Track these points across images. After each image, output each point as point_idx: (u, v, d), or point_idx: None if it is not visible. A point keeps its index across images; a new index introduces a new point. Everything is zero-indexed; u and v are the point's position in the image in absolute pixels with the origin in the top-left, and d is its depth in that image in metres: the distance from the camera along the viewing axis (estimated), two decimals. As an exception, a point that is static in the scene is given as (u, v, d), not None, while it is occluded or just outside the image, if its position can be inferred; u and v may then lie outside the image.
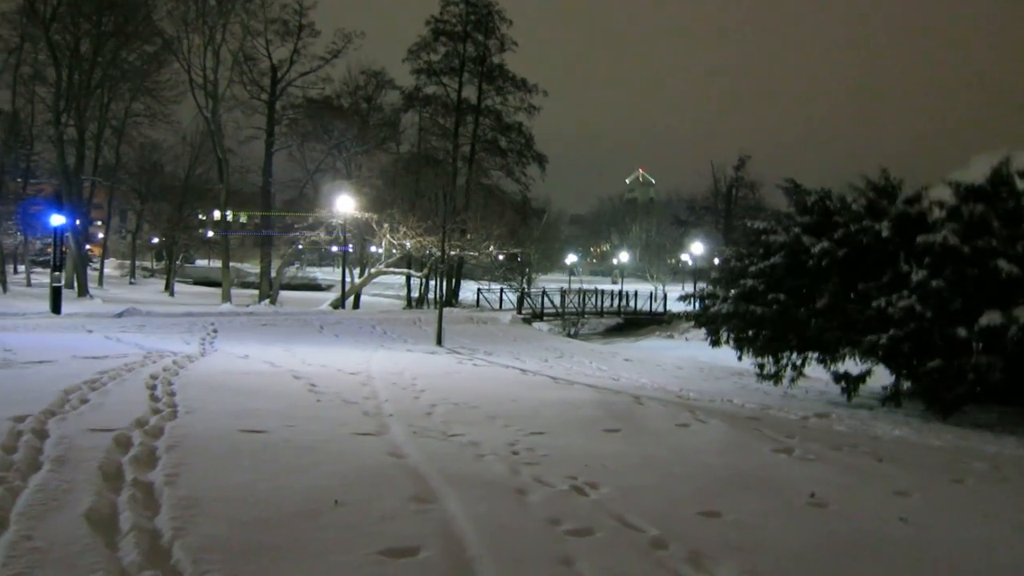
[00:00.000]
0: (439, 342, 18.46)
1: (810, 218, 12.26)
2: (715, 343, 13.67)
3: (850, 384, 11.32)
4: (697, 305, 14.39)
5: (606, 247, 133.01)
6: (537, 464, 5.88)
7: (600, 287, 43.85)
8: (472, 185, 34.17)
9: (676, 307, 41.81)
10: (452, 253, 22.79)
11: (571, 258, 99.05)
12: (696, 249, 47.89)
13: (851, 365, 11.95)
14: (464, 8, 35.41)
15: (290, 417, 7.32)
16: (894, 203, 11.57)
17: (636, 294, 37.90)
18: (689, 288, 49.41)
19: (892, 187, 12.31)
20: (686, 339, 33.56)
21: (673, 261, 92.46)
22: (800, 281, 11.66)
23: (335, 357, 13.92)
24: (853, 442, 8.00)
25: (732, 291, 13.32)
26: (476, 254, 29.19)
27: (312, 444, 5.96)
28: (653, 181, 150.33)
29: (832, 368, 12.20)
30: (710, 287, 14.37)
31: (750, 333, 12.87)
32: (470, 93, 36.40)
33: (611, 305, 36.51)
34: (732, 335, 13.31)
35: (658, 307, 38.33)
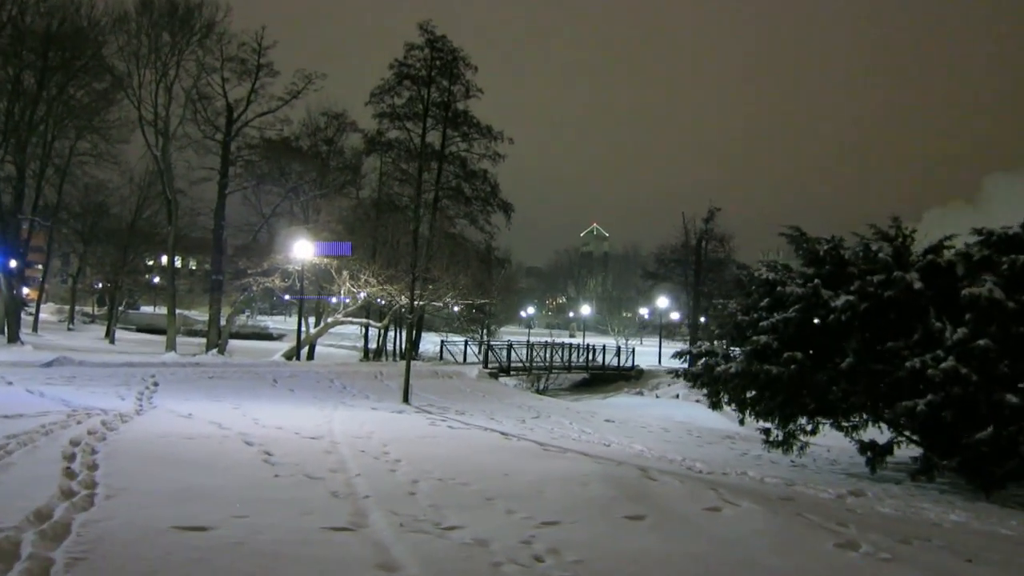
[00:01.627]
0: (406, 399, 16.90)
1: (823, 269, 11.24)
2: (715, 405, 12.44)
3: (876, 455, 10.16)
4: (688, 362, 13.16)
5: (562, 300, 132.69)
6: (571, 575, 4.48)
7: (562, 340, 42.70)
8: (436, 233, 32.82)
9: (650, 362, 40.96)
10: (417, 303, 21.34)
11: (529, 310, 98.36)
12: (662, 303, 47.18)
13: (873, 433, 10.83)
14: (428, 53, 34.61)
15: (242, 501, 5.80)
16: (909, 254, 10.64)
17: (604, 348, 36.74)
18: (655, 343, 48.90)
19: (904, 236, 11.41)
20: (656, 396, 32.49)
21: (628, 315, 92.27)
22: (818, 339, 10.55)
23: (292, 417, 12.31)
24: (917, 532, 6.76)
25: (740, 348, 12.17)
26: (441, 304, 27.74)
27: (272, 550, 4.46)
28: (607, 235, 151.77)
29: (854, 436, 11.08)
30: (706, 343, 13.19)
31: (754, 394, 11.68)
32: (434, 139, 35.41)
33: (577, 359, 35.26)
34: (735, 397, 12.09)
35: (625, 362, 37.19)
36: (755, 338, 10.71)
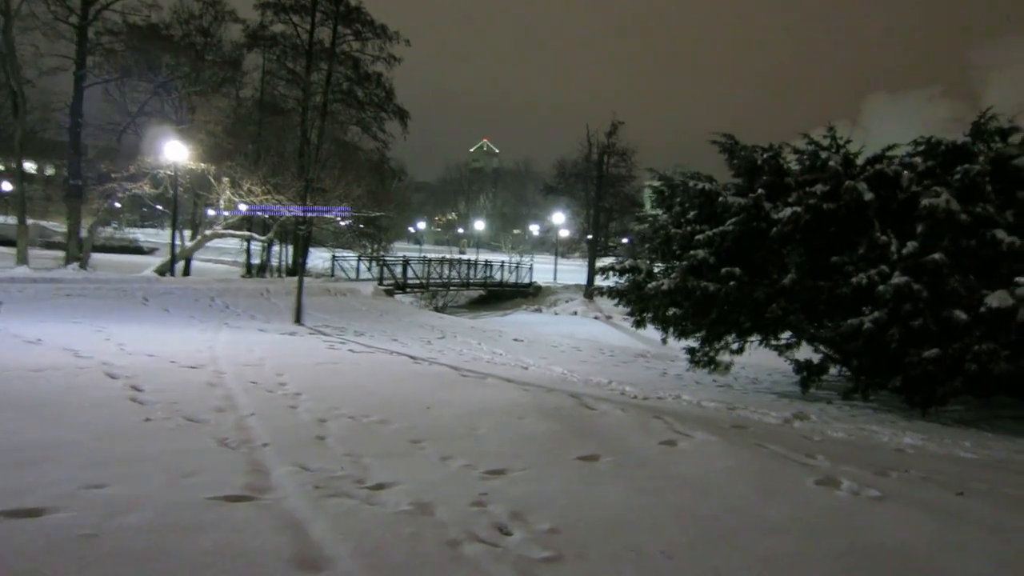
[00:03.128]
0: (298, 319, 15.38)
1: (761, 179, 10.49)
2: (639, 324, 11.69)
3: (811, 374, 9.70)
4: (612, 279, 12.31)
5: (452, 215, 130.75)
6: (555, 555, 3.44)
7: (457, 256, 41.52)
8: (326, 139, 30.38)
9: (546, 278, 40.47)
10: (308, 215, 19.50)
11: (419, 226, 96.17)
12: (558, 219, 46.53)
13: (805, 351, 10.39)
14: (317, -63, 31.24)
15: (98, 462, 4.42)
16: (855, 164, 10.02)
17: (503, 265, 35.88)
18: (550, 260, 48.42)
19: (840, 146, 10.80)
20: (555, 313, 32.14)
21: (519, 232, 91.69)
22: (757, 254, 9.86)
23: (167, 341, 10.69)
24: (886, 461, 6.19)
25: (666, 264, 11.41)
26: (334, 216, 25.81)
27: (140, 545, 3.16)
28: (497, 151, 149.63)
29: (787, 355, 10.62)
30: (629, 260, 12.36)
31: (681, 312, 10.98)
32: (324, 36, 32.40)
33: (475, 276, 34.28)
34: (660, 315, 11.37)
35: (523, 279, 36.58)
36: (691, 253, 9.90)
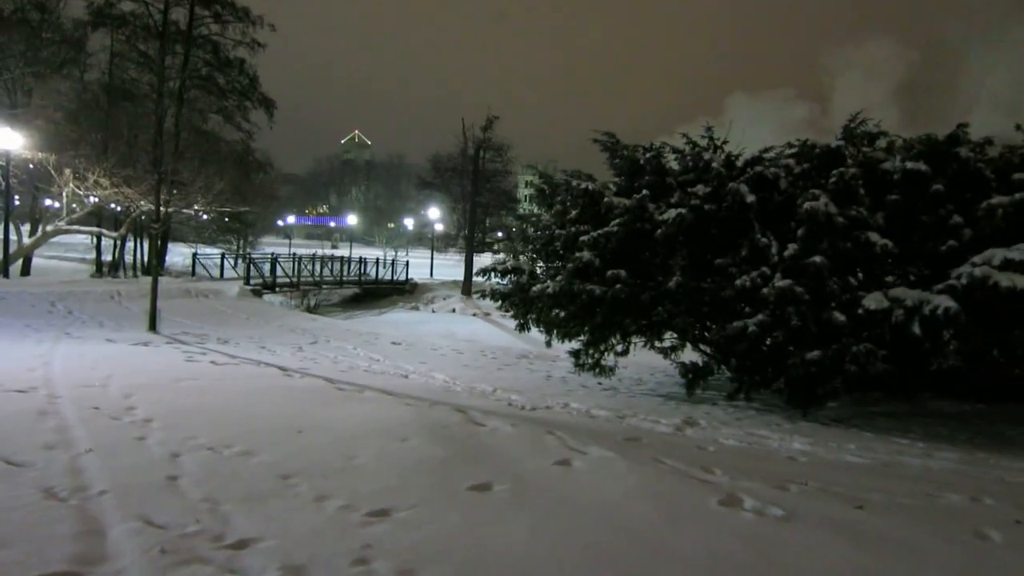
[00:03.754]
0: (153, 326, 14.01)
1: (643, 179, 10.36)
2: (523, 327, 11.34)
3: (696, 376, 9.66)
4: (495, 279, 11.90)
5: (323, 209, 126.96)
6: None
7: (330, 252, 40.05)
8: (184, 128, 28.28)
9: (423, 274, 39.60)
10: (164, 210, 17.97)
11: (289, 220, 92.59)
12: (433, 214, 45.81)
13: (687, 352, 10.37)
14: (169, -91, 28.92)
15: None
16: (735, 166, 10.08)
17: (377, 261, 34.84)
18: (426, 255, 47.58)
19: (717, 146, 10.87)
20: (432, 311, 31.55)
21: (392, 226, 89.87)
22: (641, 256, 9.70)
23: (-10, 358, 9.33)
24: (781, 471, 6.08)
25: (549, 264, 11.12)
26: (194, 211, 23.99)
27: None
28: (369, 143, 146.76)
29: (673, 357, 10.56)
30: (512, 260, 11.98)
31: (566, 315, 10.72)
32: (180, 17, 30.17)
33: (349, 273, 33.08)
34: (544, 318, 11.06)
35: (399, 275, 35.71)
36: (577, 255, 9.62)
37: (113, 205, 26.15)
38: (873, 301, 7.97)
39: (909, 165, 8.65)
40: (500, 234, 39.18)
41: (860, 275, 9.06)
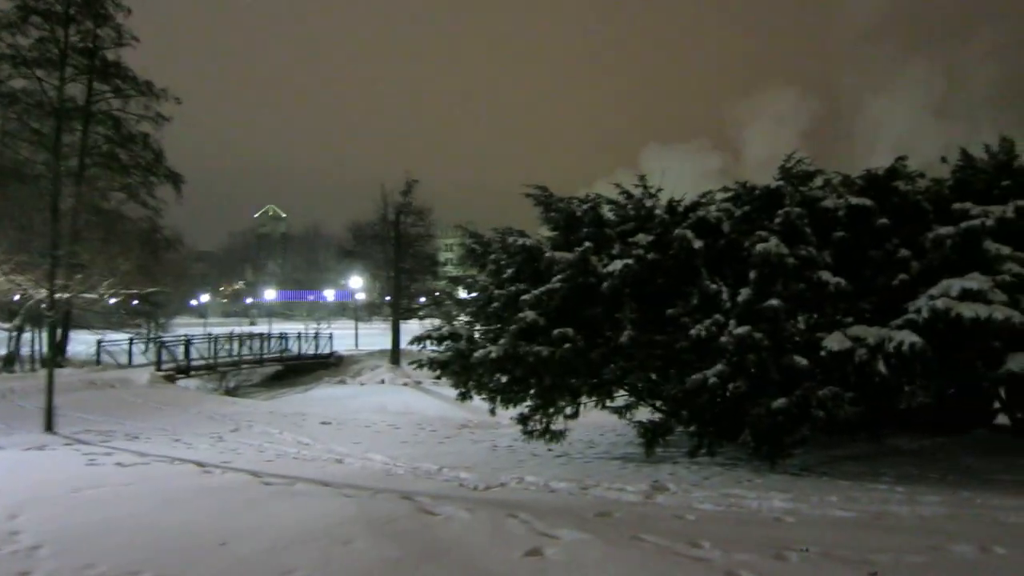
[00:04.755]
0: (49, 427, 12.56)
1: (581, 232, 9.92)
2: (464, 396, 10.58)
3: (655, 435, 9.09)
4: (430, 347, 11.13)
5: (239, 285, 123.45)
6: None
7: (247, 330, 38.33)
8: (83, 208, 26.61)
9: (348, 345, 38.14)
10: (61, 296, 16.53)
11: (203, 298, 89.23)
12: (355, 283, 44.61)
13: (639, 409, 9.83)
14: (64, -17, 27.69)
15: None
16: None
17: (299, 336, 33.43)
18: (350, 326, 46.08)
19: (651, 194, 10.55)
20: (361, 383, 30.30)
21: (312, 299, 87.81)
22: (585, 311, 9.17)
23: None
24: (774, 537, 5.48)
25: (486, 326, 10.47)
26: (96, 296, 22.32)
27: None
28: (284, 215, 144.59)
29: (627, 417, 9.97)
30: (447, 326, 11.25)
31: (509, 380, 10.05)
32: (77, 92, 28.66)
33: (269, 350, 31.55)
34: (486, 384, 10.33)
35: (323, 349, 34.32)
36: (520, 315, 8.99)
37: (11, 295, 24.20)
38: (835, 342, 7.61)
39: (854, 201, 8.47)
40: (423, 299, 38.33)
41: (814, 316, 8.74)
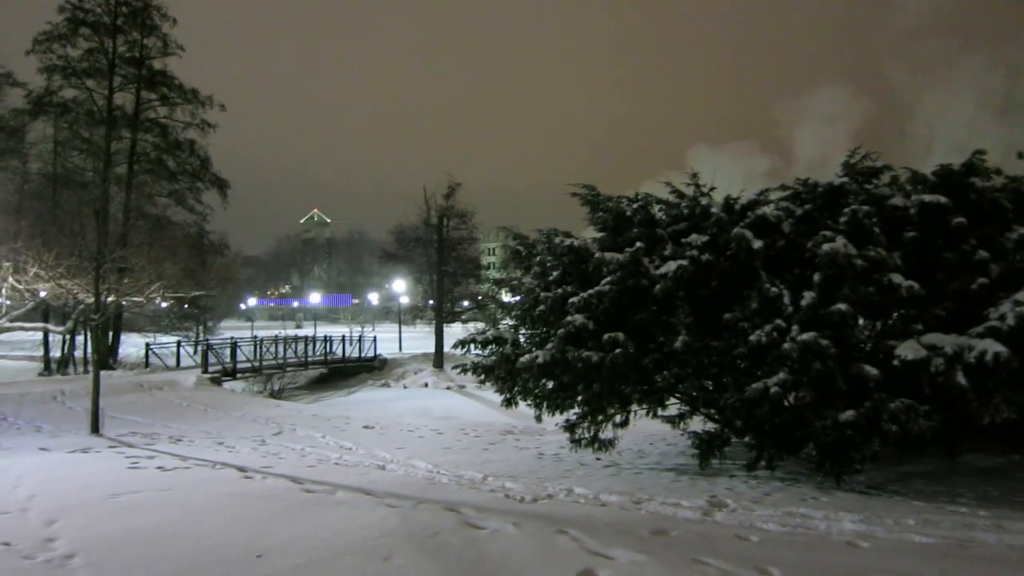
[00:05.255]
0: (95, 428, 12.59)
1: (631, 232, 9.52)
2: (510, 402, 10.24)
3: (713, 447, 8.62)
4: (474, 351, 10.85)
5: (286, 289, 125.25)
6: None
7: (293, 333, 38.57)
8: (132, 213, 27.04)
9: (391, 349, 38.11)
10: (110, 300, 16.67)
11: (250, 302, 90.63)
12: (399, 287, 44.63)
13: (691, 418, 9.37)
14: (112, -7, 28.17)
15: None
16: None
17: (344, 339, 33.47)
18: (393, 330, 46.11)
19: (703, 192, 10.09)
20: (404, 386, 30.16)
21: (358, 302, 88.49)
22: (637, 315, 8.75)
23: None
24: (855, 566, 5.01)
25: (533, 331, 10.13)
26: (142, 300, 22.58)
27: None
28: (329, 220, 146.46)
29: (681, 427, 9.55)
30: (492, 330, 10.95)
31: (557, 386, 9.68)
32: (126, 101, 29.19)
33: (314, 353, 31.61)
34: (532, 390, 9.99)
35: (367, 352, 34.31)
36: (569, 319, 8.63)
37: (61, 299, 24.64)
38: (909, 350, 7.08)
39: (927, 198, 7.92)
40: (466, 303, 38.08)
41: (879, 323, 8.20)
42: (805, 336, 7.30)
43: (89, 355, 30.18)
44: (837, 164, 9.44)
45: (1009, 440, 9.48)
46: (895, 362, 7.15)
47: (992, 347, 6.67)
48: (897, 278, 7.66)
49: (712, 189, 10.29)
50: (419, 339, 41.13)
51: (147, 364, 26.67)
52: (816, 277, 7.65)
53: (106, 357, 28.44)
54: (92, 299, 15.14)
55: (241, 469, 9.10)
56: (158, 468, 9.14)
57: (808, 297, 7.66)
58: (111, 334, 29.96)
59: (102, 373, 16.62)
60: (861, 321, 8.00)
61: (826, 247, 7.41)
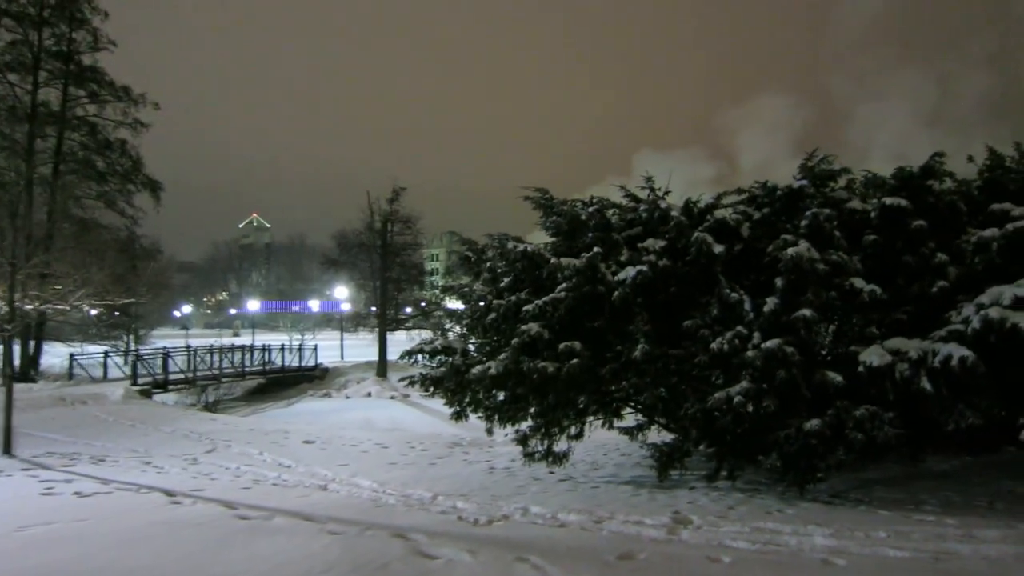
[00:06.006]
0: (7, 449, 11.62)
1: (585, 238, 9.17)
2: (459, 416, 9.75)
3: (672, 459, 8.30)
4: (422, 361, 10.31)
5: (223, 296, 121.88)
6: None
7: (230, 342, 37.28)
8: (57, 216, 25.63)
9: (332, 357, 37.10)
10: (29, 307, 15.59)
11: (185, 310, 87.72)
12: (340, 293, 43.60)
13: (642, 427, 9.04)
14: (36, -16, 26.70)
15: None
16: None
17: (283, 348, 32.43)
18: (335, 338, 44.97)
19: (660, 196, 9.81)
20: (347, 396, 29.40)
21: (297, 309, 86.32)
22: (592, 323, 8.39)
23: None
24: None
25: (482, 340, 9.69)
26: (67, 307, 21.29)
27: None
28: (268, 226, 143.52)
29: (638, 437, 9.21)
30: (440, 340, 10.46)
31: (507, 398, 9.26)
32: (52, 97, 27.70)
33: (252, 363, 30.52)
34: (483, 403, 9.54)
35: (307, 361, 33.32)
36: (523, 328, 8.19)
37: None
38: (875, 356, 6.88)
39: (888, 201, 7.75)
40: (409, 310, 37.35)
41: (841, 328, 8.00)
42: (769, 343, 7.03)
43: (11, 367, 28.53)
44: (780, 171, 9.30)
45: (957, 444, 9.41)
46: (860, 368, 6.93)
47: (957, 351, 6.49)
48: (859, 282, 7.46)
49: (667, 193, 10.02)
50: (362, 347, 40.20)
51: (71, 376, 25.30)
52: (779, 282, 7.40)
53: (26, 369, 26.87)
54: (6, 307, 14.09)
55: (169, 493, 8.39)
56: (75, 494, 8.36)
57: (771, 303, 7.40)
58: (32, 344, 28.35)
59: (20, 386, 15.52)
60: (826, 328, 7.78)
61: (790, 251, 7.16)
